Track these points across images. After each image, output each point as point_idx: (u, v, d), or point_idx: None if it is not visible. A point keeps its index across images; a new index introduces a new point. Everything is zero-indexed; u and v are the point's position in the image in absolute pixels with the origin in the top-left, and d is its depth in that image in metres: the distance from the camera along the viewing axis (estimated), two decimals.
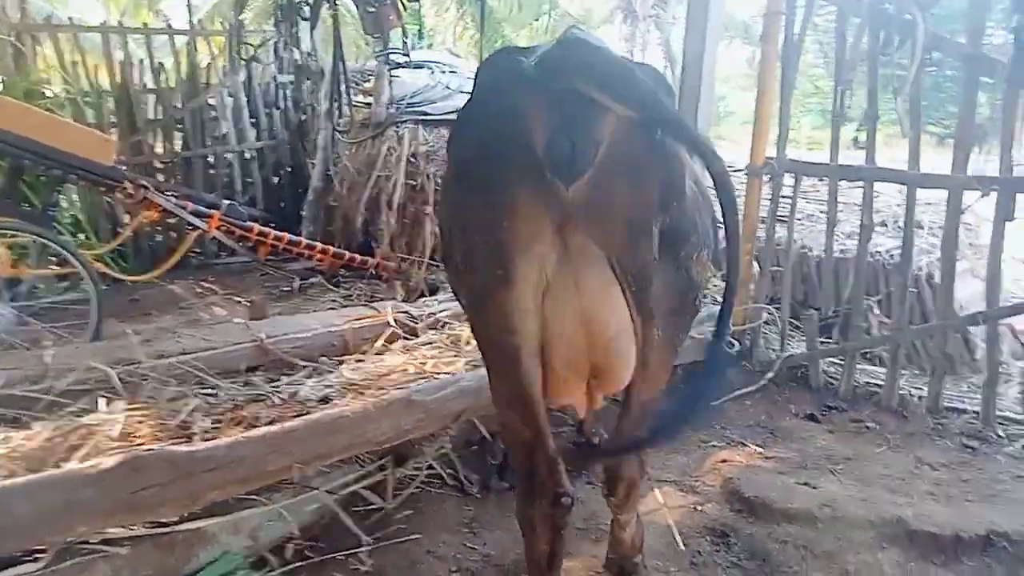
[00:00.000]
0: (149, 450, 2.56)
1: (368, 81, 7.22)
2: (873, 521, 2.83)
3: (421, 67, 6.97)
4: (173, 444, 2.79)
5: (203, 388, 3.56)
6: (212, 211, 5.15)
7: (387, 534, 2.85)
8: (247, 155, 7.52)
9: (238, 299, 6.15)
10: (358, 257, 6.15)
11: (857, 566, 2.62)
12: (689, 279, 1.84)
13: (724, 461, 3.38)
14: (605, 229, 1.66)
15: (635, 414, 1.96)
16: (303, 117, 7.83)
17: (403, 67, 6.34)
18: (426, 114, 6.73)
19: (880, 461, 3.43)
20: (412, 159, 6.37)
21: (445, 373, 3.65)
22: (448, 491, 3.17)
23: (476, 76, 2.07)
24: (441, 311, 4.56)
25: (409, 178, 6.31)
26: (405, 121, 6.63)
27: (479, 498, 3.14)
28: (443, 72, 7.38)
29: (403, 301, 5.14)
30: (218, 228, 5.15)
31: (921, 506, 2.95)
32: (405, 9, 5.74)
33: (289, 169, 7.84)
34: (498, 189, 1.67)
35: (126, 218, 6.51)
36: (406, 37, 6.48)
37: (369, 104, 6.90)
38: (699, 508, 3.02)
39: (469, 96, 2.05)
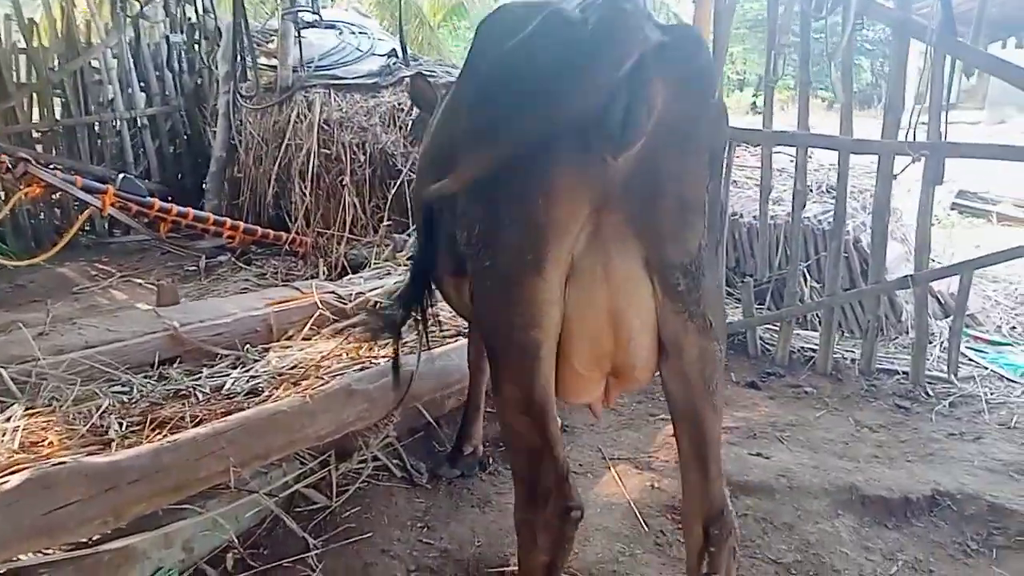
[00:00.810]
0: (60, 463, 2.24)
1: (271, 41, 6.73)
2: (827, 489, 2.86)
3: (332, 27, 6.54)
4: (88, 454, 2.49)
5: (113, 386, 3.22)
6: (105, 186, 4.64)
7: (335, 535, 2.64)
8: (138, 123, 6.90)
9: (139, 282, 5.68)
10: (271, 233, 5.77)
11: (817, 535, 2.64)
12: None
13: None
14: (650, 208, 1.50)
15: (713, 449, 1.73)
16: (199, 81, 7.25)
17: (313, 27, 5.91)
18: (337, 78, 6.35)
19: (822, 426, 3.49)
20: (325, 126, 6.00)
21: (383, 358, 3.45)
22: (396, 484, 2.97)
23: (478, 36, 1.84)
24: (370, 290, 4.32)
25: (323, 147, 5.94)
26: (315, 85, 6.23)
27: (429, 489, 2.97)
28: (352, 33, 6.98)
29: (327, 280, 4.85)
30: (113, 205, 4.65)
31: (869, 470, 3.01)
32: None
33: (186, 138, 7.26)
34: (536, 162, 1.47)
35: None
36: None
37: (274, 67, 6.44)
38: (656, 486, 2.97)
39: (473, 58, 1.83)
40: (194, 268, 6.06)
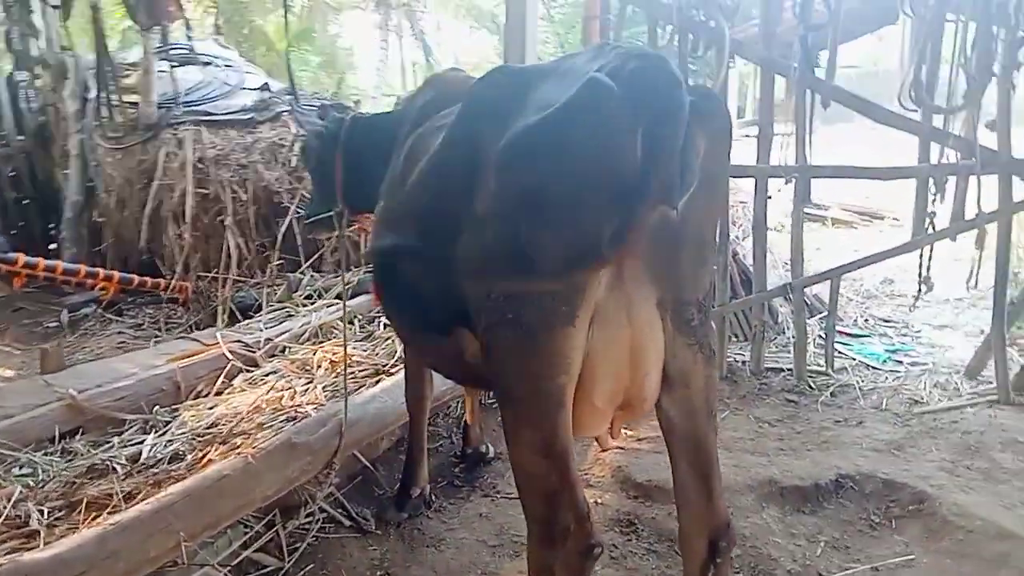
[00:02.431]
0: None
1: (127, 76, 6.32)
2: (750, 485, 3.14)
3: (209, 63, 6.25)
4: (9, 551, 2.27)
5: (11, 468, 2.92)
6: None
7: None
8: None
9: None
10: (149, 280, 5.41)
11: (750, 529, 2.89)
12: None
13: (604, 451, 3.51)
14: (673, 252, 1.61)
15: (716, 468, 1.86)
16: (42, 119, 6.65)
17: (189, 63, 5.63)
18: (208, 113, 6.09)
19: (729, 425, 3.80)
20: (200, 164, 5.72)
21: (310, 405, 3.37)
22: (345, 534, 2.92)
23: (473, 94, 1.89)
24: (277, 335, 4.19)
25: (199, 186, 5.66)
26: (184, 122, 5.93)
27: (380, 535, 2.94)
28: (218, 67, 6.70)
29: (224, 327, 4.63)
30: None
31: (779, 463, 3.33)
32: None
33: (31, 182, 6.63)
34: (583, 219, 1.54)
35: None
36: (189, 30, 5.76)
37: (131, 103, 6.05)
38: (600, 501, 3.12)
39: (463, 115, 1.88)
40: (55, 324, 5.55)
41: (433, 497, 3.17)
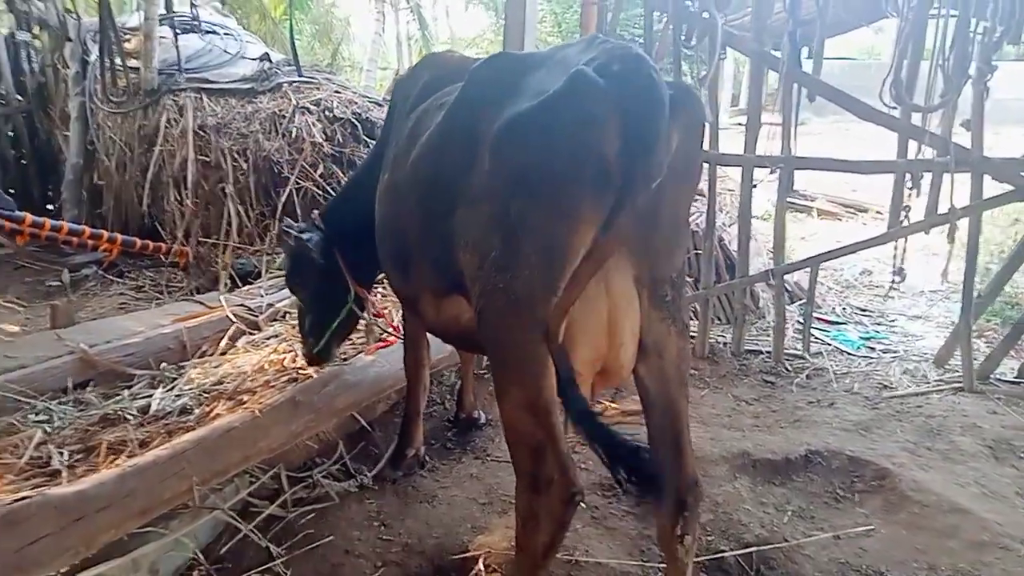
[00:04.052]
0: (24, 498, 2.20)
1: (128, 40, 6.36)
2: (725, 456, 3.35)
3: (213, 32, 6.31)
4: (35, 487, 2.43)
5: (27, 415, 3.07)
6: None
7: (296, 542, 2.74)
8: None
9: None
10: (151, 244, 5.52)
11: (723, 496, 3.10)
12: None
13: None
14: (650, 232, 1.77)
15: (686, 431, 2.02)
16: (42, 81, 6.70)
17: (192, 31, 5.69)
18: (208, 81, 6.16)
19: (707, 403, 4.01)
20: (201, 132, 5.81)
21: (311, 368, 3.53)
22: (343, 489, 3.10)
23: (472, 78, 2.04)
24: (278, 301, 4.34)
25: (200, 153, 5.76)
26: (184, 89, 6.01)
27: (376, 490, 3.12)
28: (218, 35, 6.75)
29: (227, 291, 4.76)
30: None
31: (753, 438, 3.54)
32: None
33: (30, 143, 6.69)
34: (566, 198, 1.70)
35: None
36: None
37: (133, 68, 6.11)
38: (583, 466, 3.30)
39: (462, 97, 2.03)
40: (57, 284, 5.64)
41: (427, 458, 3.35)
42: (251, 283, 5.09)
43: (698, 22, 3.97)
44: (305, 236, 3.16)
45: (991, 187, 3.79)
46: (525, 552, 2.00)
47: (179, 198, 5.80)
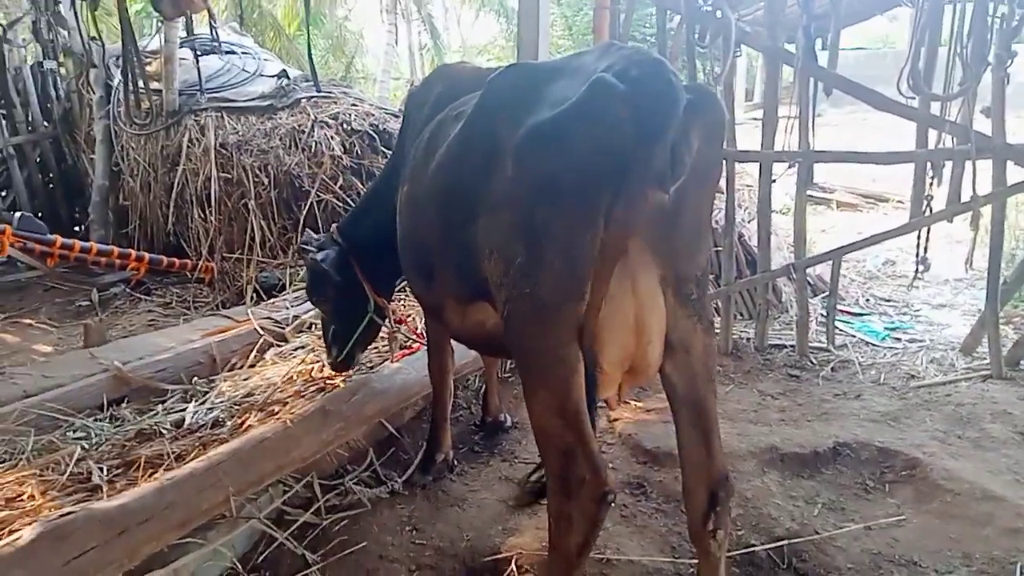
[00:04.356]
0: (68, 512, 2.27)
1: (150, 64, 6.50)
2: (752, 451, 3.35)
3: (232, 52, 6.43)
4: (77, 502, 2.50)
5: (66, 432, 3.16)
6: (2, 226, 4.40)
7: (331, 549, 2.78)
8: (2, 152, 6.44)
9: (28, 322, 5.37)
10: (177, 261, 5.63)
11: (752, 491, 3.10)
12: None
13: (615, 420, 3.73)
14: (673, 233, 1.80)
15: (715, 426, 2.03)
16: (68, 106, 6.86)
17: (213, 53, 5.81)
18: (228, 100, 6.28)
19: (732, 398, 4.00)
20: (223, 149, 5.92)
21: (338, 378, 3.59)
22: (375, 494, 3.14)
23: (491, 88, 2.09)
24: (304, 312, 4.41)
25: (222, 171, 5.86)
26: (205, 109, 6.13)
27: (407, 495, 3.16)
28: (236, 54, 6.87)
29: (253, 305, 4.85)
30: (12, 245, 4.42)
31: (780, 432, 3.53)
32: None
33: (59, 167, 6.85)
34: (590, 203, 1.73)
35: None
36: (214, 20, 5.93)
37: (155, 90, 6.24)
38: (611, 465, 3.33)
39: (481, 107, 2.07)
40: (87, 303, 5.78)
41: (456, 462, 3.38)
42: (276, 296, 5.18)
43: (711, 21, 3.98)
44: (320, 255, 3.26)
45: (1014, 173, 3.76)
46: (559, 552, 2.03)
47: (203, 215, 5.91)
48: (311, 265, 3.29)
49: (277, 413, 3.17)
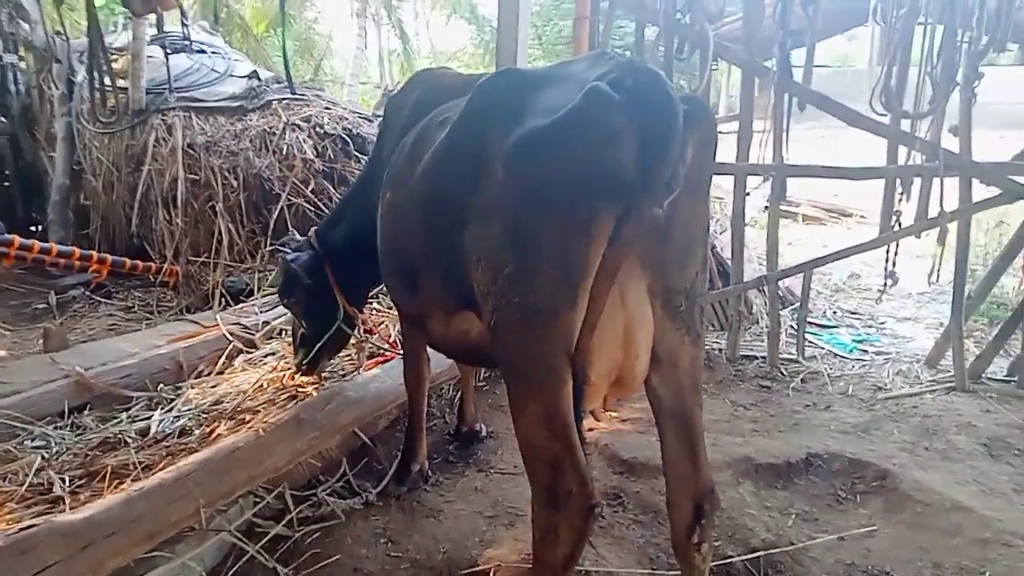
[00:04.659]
0: (30, 526, 2.17)
1: (115, 60, 6.33)
2: (728, 461, 3.36)
3: (202, 51, 6.29)
4: (38, 514, 2.40)
5: (24, 440, 3.03)
6: None
7: (303, 562, 2.71)
8: None
9: None
10: (141, 264, 5.47)
11: (728, 501, 3.11)
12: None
13: (591, 429, 3.71)
14: (663, 245, 1.79)
15: (701, 439, 2.03)
16: (27, 102, 6.64)
17: (183, 52, 5.68)
18: (196, 100, 6.14)
19: (706, 408, 3.98)
20: (190, 150, 5.79)
21: (311, 385, 3.52)
22: (349, 505, 3.08)
23: (478, 94, 2.06)
24: (275, 318, 4.32)
25: (190, 172, 5.72)
26: (173, 108, 5.98)
27: (381, 506, 3.11)
28: (206, 53, 6.73)
29: (221, 309, 4.73)
30: None
31: (754, 443, 3.56)
32: None
33: (16, 164, 6.63)
34: (583, 212, 1.71)
35: None
36: (185, 18, 5.79)
37: (121, 88, 6.07)
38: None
39: (468, 113, 2.04)
40: (43, 306, 5.58)
41: (430, 472, 3.34)
42: (244, 301, 5.06)
43: (689, 34, 4.01)
44: (292, 256, 3.25)
45: (978, 191, 3.87)
46: (544, 565, 1.99)
47: (168, 217, 5.76)
48: (283, 266, 3.27)
49: (248, 422, 3.08)
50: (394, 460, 3.43)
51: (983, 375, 4.11)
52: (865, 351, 4.73)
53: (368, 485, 3.20)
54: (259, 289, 5.20)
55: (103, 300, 5.72)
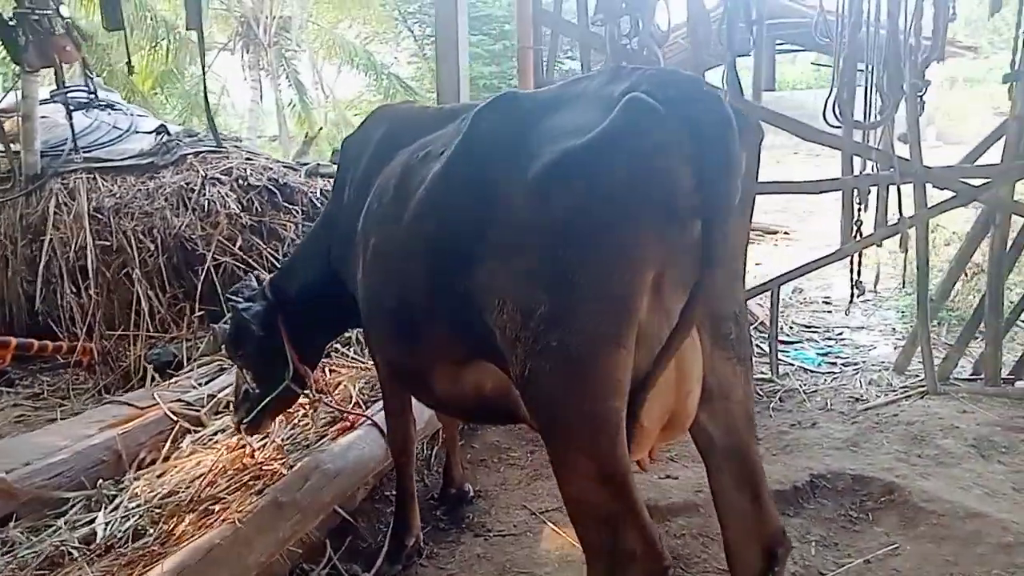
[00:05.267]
0: None
1: (1, 123, 5.74)
2: None
3: (108, 108, 5.78)
4: None
5: None
6: None
7: None
8: None
9: None
10: (50, 344, 4.87)
11: None
12: None
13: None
14: (708, 269, 1.62)
15: (763, 476, 1.89)
16: None
17: (89, 107, 5.18)
18: (100, 160, 5.63)
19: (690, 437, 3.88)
20: (98, 215, 5.27)
21: (276, 461, 3.15)
22: None
23: (477, 122, 1.85)
24: (220, 390, 3.89)
25: (99, 238, 5.20)
26: (75, 170, 5.46)
27: None
28: (104, 110, 6.22)
29: (150, 386, 4.24)
30: None
31: None
32: (84, 40, 4.68)
33: None
34: (631, 237, 1.52)
35: None
36: (90, 72, 5.30)
37: (15, 152, 5.51)
38: None
39: (465, 145, 1.83)
40: None
41: (422, 544, 3.02)
42: (173, 374, 4.59)
43: (638, 59, 3.95)
44: (245, 306, 2.99)
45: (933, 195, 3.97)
46: None
47: (75, 290, 5.20)
48: (234, 315, 3.01)
49: (214, 513, 2.68)
50: (379, 535, 3.11)
51: (950, 376, 4.16)
52: (833, 363, 4.75)
53: (357, 568, 2.85)
54: (189, 360, 4.73)
55: (5, 389, 5.05)
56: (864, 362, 4.73)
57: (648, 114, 1.54)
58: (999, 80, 3.81)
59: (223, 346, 3.27)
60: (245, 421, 3.06)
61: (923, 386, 4.11)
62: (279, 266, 3.29)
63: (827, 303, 6.14)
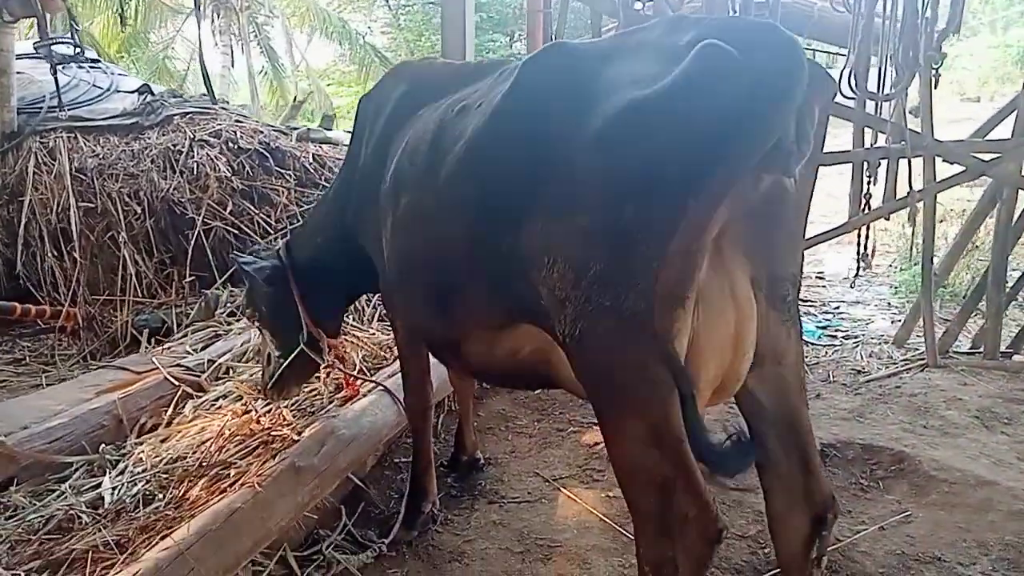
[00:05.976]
0: None
1: None
2: None
3: (97, 62, 5.53)
4: None
5: None
6: None
7: None
8: None
9: None
10: (33, 309, 4.69)
11: (760, 506, 2.88)
12: None
13: (597, 443, 3.47)
14: (770, 228, 1.56)
15: (813, 442, 1.87)
16: None
17: (74, 61, 4.94)
18: (80, 119, 5.41)
19: None
20: (81, 175, 5.06)
21: (284, 426, 3.06)
22: (360, 560, 2.66)
23: (525, 74, 1.77)
24: (219, 355, 3.77)
25: (82, 199, 5.00)
26: (55, 129, 5.24)
27: (394, 556, 2.71)
28: (83, 68, 5.96)
29: (144, 352, 4.10)
30: None
31: None
32: None
33: None
34: (704, 190, 1.45)
35: None
36: (75, 23, 5.05)
37: None
38: (610, 495, 3.06)
39: (513, 97, 1.76)
40: None
41: (437, 510, 2.97)
42: (162, 340, 4.45)
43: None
44: (250, 262, 2.97)
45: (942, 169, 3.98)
46: None
47: (57, 253, 5.01)
48: (241, 271, 3.00)
49: (228, 478, 2.60)
50: (390, 502, 3.06)
51: (950, 350, 4.21)
52: (833, 336, 4.78)
53: (372, 535, 2.79)
54: (178, 326, 4.59)
55: None
56: (863, 335, 4.78)
57: (725, 61, 1.46)
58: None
59: (233, 310, 3.19)
60: (269, 385, 3.04)
61: (923, 359, 4.15)
62: (293, 230, 3.18)
63: (820, 278, 6.19)
